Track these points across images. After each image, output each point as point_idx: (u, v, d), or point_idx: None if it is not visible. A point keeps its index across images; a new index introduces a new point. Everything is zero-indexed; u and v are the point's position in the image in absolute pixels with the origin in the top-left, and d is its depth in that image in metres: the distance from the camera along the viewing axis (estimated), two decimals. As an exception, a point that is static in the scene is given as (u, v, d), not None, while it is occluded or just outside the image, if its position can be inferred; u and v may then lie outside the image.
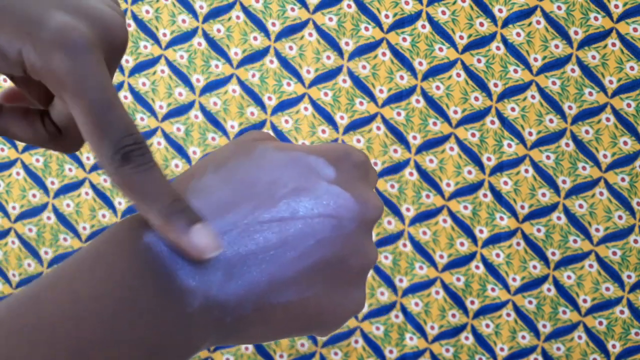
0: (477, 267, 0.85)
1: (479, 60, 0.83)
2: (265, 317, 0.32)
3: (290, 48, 0.85)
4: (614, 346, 0.83)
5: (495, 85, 0.83)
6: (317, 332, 0.35)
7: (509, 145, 0.83)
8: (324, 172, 0.34)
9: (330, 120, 0.85)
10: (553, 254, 0.84)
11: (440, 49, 0.83)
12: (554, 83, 0.82)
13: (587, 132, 0.82)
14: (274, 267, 0.32)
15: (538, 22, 0.82)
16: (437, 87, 0.84)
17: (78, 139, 0.37)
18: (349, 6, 0.84)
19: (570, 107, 0.82)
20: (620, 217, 0.82)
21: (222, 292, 0.31)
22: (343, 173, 0.35)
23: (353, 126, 0.85)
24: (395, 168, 0.85)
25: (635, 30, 0.80)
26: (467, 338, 0.85)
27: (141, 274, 0.31)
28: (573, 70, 0.82)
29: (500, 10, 0.82)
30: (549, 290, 0.84)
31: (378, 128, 0.85)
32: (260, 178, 0.34)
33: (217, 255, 0.31)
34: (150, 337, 0.30)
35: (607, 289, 0.83)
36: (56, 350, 0.28)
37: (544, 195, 0.83)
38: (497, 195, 0.84)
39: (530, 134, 0.83)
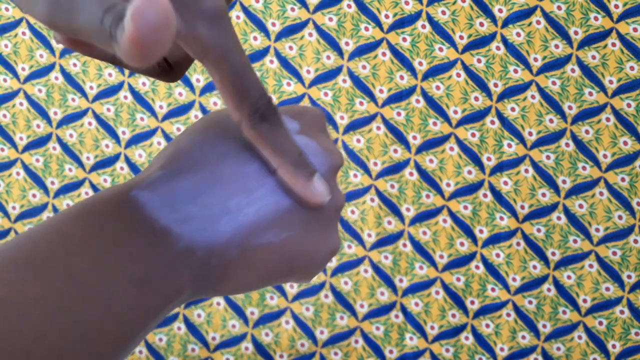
0: (477, 267, 0.85)
1: (479, 60, 0.83)
2: (249, 260, 0.35)
3: (290, 48, 0.85)
4: (614, 346, 0.83)
5: (495, 85, 0.83)
6: (299, 276, 0.37)
7: (509, 145, 0.83)
8: (289, 126, 0.38)
9: (330, 120, 0.85)
10: (553, 254, 0.84)
11: (440, 49, 0.83)
12: (554, 83, 0.82)
13: (587, 132, 0.82)
14: (254, 212, 0.35)
15: (538, 22, 0.82)
16: (437, 87, 0.84)
17: (183, 72, 0.41)
18: (349, 6, 0.84)
19: (570, 107, 0.82)
20: (620, 217, 0.82)
21: (206, 235, 0.34)
22: (305, 125, 0.39)
23: (353, 126, 0.85)
24: (395, 168, 0.85)
25: (635, 30, 0.80)
26: (467, 338, 0.85)
27: (129, 218, 0.33)
28: (573, 70, 0.82)
29: (500, 10, 0.82)
30: (549, 290, 0.84)
31: (378, 128, 0.85)
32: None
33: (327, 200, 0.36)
34: (135, 271, 0.32)
35: (607, 289, 0.83)
36: (51, 277, 0.30)
37: (544, 195, 0.83)
38: (497, 195, 0.84)
39: (530, 134, 0.83)
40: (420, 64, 0.84)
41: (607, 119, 0.82)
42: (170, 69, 0.41)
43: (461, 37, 0.83)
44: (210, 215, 0.34)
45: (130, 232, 0.33)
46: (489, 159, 0.84)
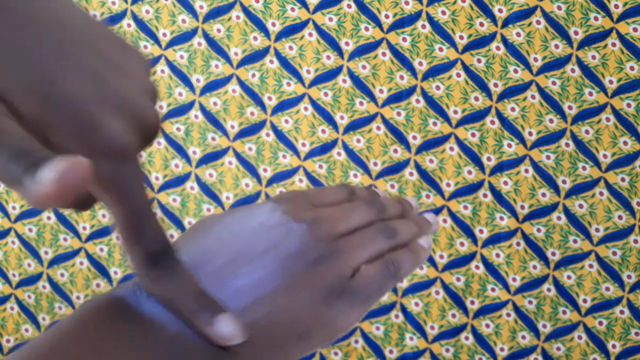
0: (477, 267, 0.85)
1: (479, 60, 0.83)
2: (254, 334, 0.35)
3: (290, 48, 0.85)
4: (614, 346, 0.83)
5: (495, 85, 0.83)
6: (310, 341, 0.37)
7: (509, 145, 0.83)
8: (277, 208, 0.39)
9: (330, 120, 0.85)
10: (553, 254, 0.84)
11: (440, 49, 0.83)
12: (554, 83, 0.82)
13: (587, 132, 0.82)
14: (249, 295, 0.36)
15: (538, 22, 0.82)
16: (437, 87, 0.84)
17: (94, 202, 0.40)
18: (349, 6, 0.84)
19: (570, 107, 0.82)
20: (620, 217, 0.82)
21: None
22: (291, 207, 0.39)
23: (353, 126, 0.85)
24: (395, 168, 0.85)
25: (635, 30, 0.80)
26: (467, 338, 0.85)
27: (115, 316, 0.34)
28: (573, 70, 0.82)
29: (500, 10, 0.82)
30: (549, 290, 0.84)
31: (378, 128, 0.85)
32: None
33: (241, 342, 0.34)
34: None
35: (607, 289, 0.83)
36: None
37: (544, 195, 0.83)
38: (497, 195, 0.84)
39: (530, 134, 0.83)
40: (420, 64, 0.84)
41: (607, 119, 0.82)
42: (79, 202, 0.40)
43: (461, 37, 0.83)
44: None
45: (119, 331, 0.33)
46: (489, 159, 0.84)
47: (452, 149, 0.84)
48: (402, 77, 0.84)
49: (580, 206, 0.83)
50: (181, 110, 0.87)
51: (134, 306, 0.34)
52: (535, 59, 0.82)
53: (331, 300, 0.36)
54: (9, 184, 0.27)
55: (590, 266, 0.83)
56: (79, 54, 0.31)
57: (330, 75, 0.85)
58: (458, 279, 0.85)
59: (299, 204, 0.40)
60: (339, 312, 0.37)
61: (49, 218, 0.89)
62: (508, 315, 0.85)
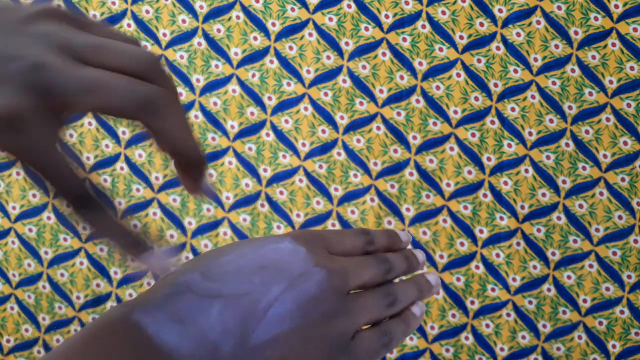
0: (477, 267, 0.85)
1: (479, 60, 0.83)
2: None
3: (290, 48, 0.85)
4: (614, 346, 0.83)
5: (495, 85, 0.83)
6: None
7: (509, 145, 0.83)
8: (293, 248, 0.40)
9: (330, 120, 0.85)
10: (553, 254, 0.84)
11: (440, 49, 0.83)
12: (554, 83, 0.82)
13: (587, 132, 0.82)
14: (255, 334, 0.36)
15: (538, 22, 0.82)
16: (437, 87, 0.84)
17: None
18: (349, 6, 0.84)
19: (570, 107, 0.82)
20: (620, 217, 0.82)
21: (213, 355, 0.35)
22: (303, 244, 0.40)
23: (353, 126, 0.85)
24: (395, 168, 0.85)
25: (635, 30, 0.80)
26: (467, 338, 0.85)
27: (132, 346, 0.35)
28: (573, 70, 0.82)
29: (500, 10, 0.82)
30: (549, 290, 0.84)
31: (378, 128, 0.85)
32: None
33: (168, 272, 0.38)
34: None
35: (607, 289, 0.83)
36: None
37: (544, 195, 0.83)
38: (497, 195, 0.84)
39: (530, 134, 0.83)
40: (420, 64, 0.84)
41: (607, 119, 0.82)
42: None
43: (461, 37, 0.83)
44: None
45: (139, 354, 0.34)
46: (489, 159, 0.84)
47: (452, 149, 0.84)
48: (402, 77, 0.84)
49: (580, 206, 0.83)
50: (181, 110, 0.87)
51: (152, 336, 0.34)
52: (535, 59, 0.82)
53: (334, 356, 0.37)
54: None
55: (590, 266, 0.83)
56: None
57: (330, 75, 0.85)
58: (458, 279, 0.85)
59: (317, 248, 0.40)
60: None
61: (49, 218, 0.89)
62: (508, 315, 0.85)
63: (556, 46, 0.82)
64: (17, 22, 0.34)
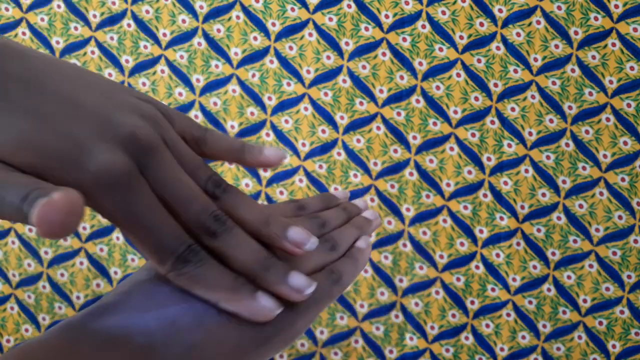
0: (477, 267, 0.85)
1: (479, 60, 0.83)
2: (212, 338, 0.35)
3: (290, 48, 0.85)
4: (614, 346, 0.83)
5: (495, 85, 0.83)
6: (270, 347, 0.38)
7: (509, 145, 0.83)
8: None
9: (330, 120, 0.85)
10: (553, 254, 0.84)
11: (440, 49, 0.83)
12: (554, 83, 0.82)
13: (587, 132, 0.82)
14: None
15: (538, 22, 0.82)
16: (437, 87, 0.84)
17: None
18: (349, 6, 0.84)
19: (570, 107, 0.82)
20: (620, 217, 0.82)
21: (164, 332, 0.34)
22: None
23: (353, 126, 0.85)
24: (395, 168, 0.85)
25: (635, 30, 0.80)
26: (467, 338, 0.85)
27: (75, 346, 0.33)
28: (573, 70, 0.82)
29: (500, 10, 0.82)
30: (549, 290, 0.84)
31: (378, 128, 0.85)
32: None
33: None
34: None
35: (607, 289, 0.83)
36: None
37: (544, 195, 0.83)
38: (497, 195, 0.84)
39: (530, 134, 0.83)
40: (420, 64, 0.84)
41: (607, 119, 0.82)
42: None
43: (461, 37, 0.83)
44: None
45: (81, 352, 0.33)
46: (489, 159, 0.84)
47: (452, 149, 0.84)
48: (402, 77, 0.84)
49: (580, 206, 0.83)
50: (181, 110, 0.87)
51: (95, 330, 0.33)
52: (535, 59, 0.82)
53: (289, 307, 0.38)
54: (21, 222, 0.29)
55: (590, 266, 0.83)
56: (57, 93, 0.32)
57: (330, 75, 0.85)
58: (458, 279, 0.85)
59: None
60: (297, 316, 0.38)
61: None
62: (508, 315, 0.85)
63: (556, 46, 0.82)
64: (126, 95, 0.35)
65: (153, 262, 0.34)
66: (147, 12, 0.86)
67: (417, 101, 0.84)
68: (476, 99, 0.83)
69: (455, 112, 0.84)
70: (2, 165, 0.30)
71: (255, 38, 0.85)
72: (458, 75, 0.83)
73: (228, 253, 0.35)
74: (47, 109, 0.32)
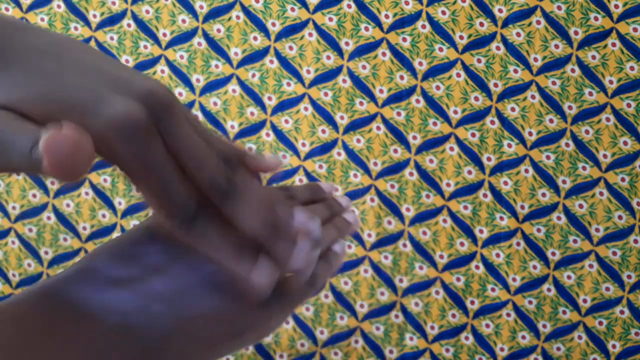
0: (477, 267, 0.85)
1: (479, 60, 0.83)
2: (185, 329, 0.35)
3: (290, 48, 0.85)
4: (614, 346, 0.83)
5: (495, 85, 0.83)
6: (251, 337, 0.38)
7: (509, 145, 0.83)
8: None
9: (330, 120, 0.85)
10: (553, 254, 0.84)
11: (440, 49, 0.83)
12: (554, 83, 0.82)
13: (587, 132, 0.82)
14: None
15: (538, 22, 0.82)
16: (437, 87, 0.84)
17: None
18: (349, 6, 0.84)
19: (570, 107, 0.82)
20: (620, 217, 0.82)
21: (139, 315, 0.34)
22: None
23: (353, 126, 0.85)
24: (395, 168, 0.85)
25: (635, 30, 0.80)
26: (467, 338, 0.85)
27: (53, 310, 0.33)
28: (573, 70, 0.82)
29: (500, 10, 0.82)
30: (549, 290, 0.84)
31: (378, 128, 0.85)
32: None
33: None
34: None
35: (607, 289, 0.83)
36: None
37: (544, 195, 0.83)
38: (497, 195, 0.84)
39: (530, 134, 0.83)
40: (420, 64, 0.84)
41: (607, 119, 0.82)
42: None
43: (461, 37, 0.83)
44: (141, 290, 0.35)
45: (57, 324, 0.33)
46: (489, 159, 0.84)
47: (452, 149, 0.84)
48: (402, 77, 0.84)
49: (580, 206, 0.83)
50: (181, 110, 0.87)
51: (71, 300, 0.33)
52: (535, 59, 0.82)
53: (266, 303, 0.38)
54: (36, 174, 0.29)
55: (590, 266, 0.83)
56: (75, 60, 0.33)
57: (330, 75, 0.85)
58: (458, 279, 0.85)
59: None
60: (272, 314, 0.38)
61: (49, 218, 0.89)
62: (508, 315, 0.85)
63: (556, 46, 0.82)
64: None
65: (161, 215, 0.34)
66: (147, 12, 0.86)
67: (417, 101, 0.84)
68: (476, 99, 0.83)
69: (455, 112, 0.84)
70: (17, 116, 0.31)
71: (255, 38, 0.85)
72: (458, 75, 0.83)
73: (238, 215, 0.35)
74: (67, 69, 0.32)
